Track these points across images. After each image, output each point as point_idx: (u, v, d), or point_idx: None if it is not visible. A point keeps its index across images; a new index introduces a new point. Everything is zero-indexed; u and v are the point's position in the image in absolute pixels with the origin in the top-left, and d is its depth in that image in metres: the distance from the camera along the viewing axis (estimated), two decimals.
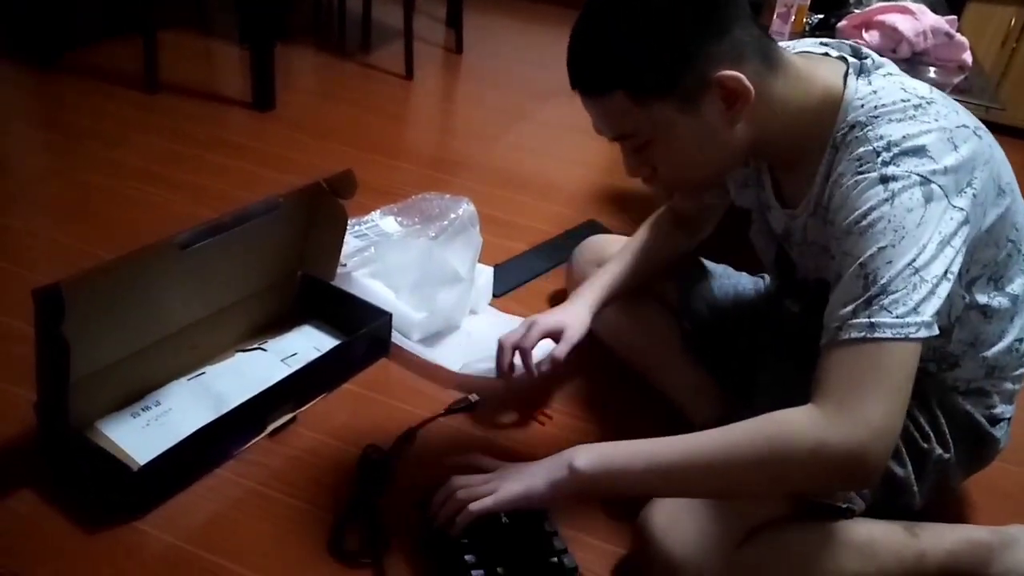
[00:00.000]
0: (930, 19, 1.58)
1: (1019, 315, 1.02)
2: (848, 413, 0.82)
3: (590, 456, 0.93)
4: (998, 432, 1.09)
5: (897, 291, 0.82)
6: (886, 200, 0.83)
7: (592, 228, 1.84)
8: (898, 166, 0.84)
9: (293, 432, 1.21)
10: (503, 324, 1.49)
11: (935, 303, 0.83)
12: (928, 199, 0.83)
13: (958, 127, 0.89)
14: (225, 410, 1.16)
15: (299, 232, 1.36)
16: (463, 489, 0.97)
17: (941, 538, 1.05)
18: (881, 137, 0.86)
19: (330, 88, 2.61)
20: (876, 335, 0.82)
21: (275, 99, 2.30)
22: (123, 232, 1.64)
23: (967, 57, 1.61)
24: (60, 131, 2.07)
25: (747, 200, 1.14)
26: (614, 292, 1.28)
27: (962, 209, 0.85)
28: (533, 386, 1.28)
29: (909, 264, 0.82)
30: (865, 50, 0.97)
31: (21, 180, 1.85)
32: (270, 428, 1.19)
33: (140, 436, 1.14)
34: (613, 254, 1.34)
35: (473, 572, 0.96)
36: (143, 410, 1.19)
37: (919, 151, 0.85)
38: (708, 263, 1.42)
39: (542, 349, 1.23)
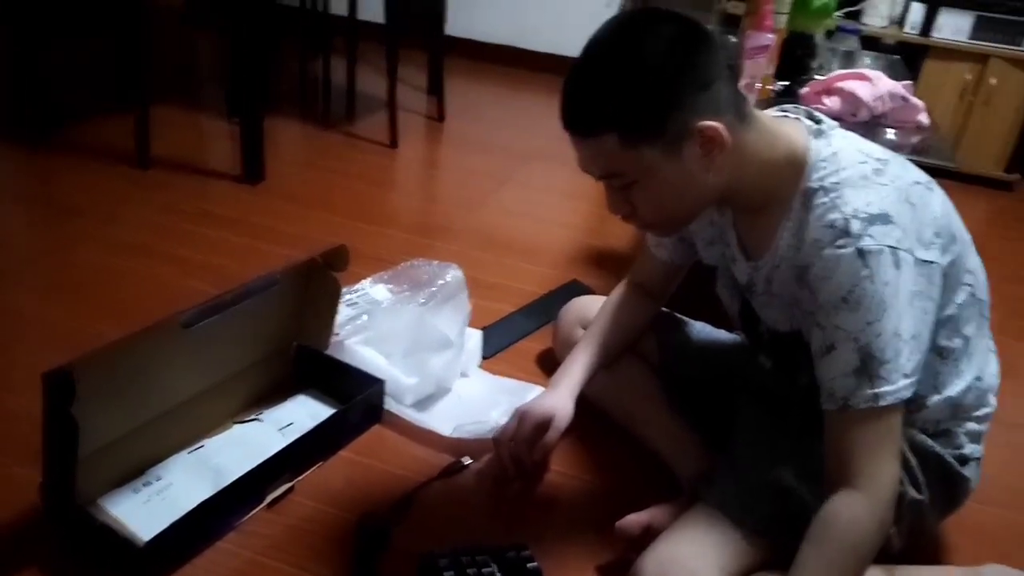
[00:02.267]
0: (887, 84, 1.67)
1: (974, 355, 1.09)
2: (878, 487, 0.97)
3: None
4: (968, 472, 1.15)
5: (889, 360, 0.94)
6: (866, 278, 0.93)
7: (575, 288, 1.90)
8: (872, 238, 0.93)
9: (291, 502, 1.24)
10: (493, 387, 1.54)
11: (917, 358, 0.96)
12: (898, 266, 0.93)
13: (912, 184, 0.99)
14: (224, 482, 1.20)
15: (295, 305, 1.41)
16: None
17: None
18: (848, 204, 0.95)
19: (317, 158, 2.68)
20: (880, 404, 0.94)
21: (264, 171, 2.37)
22: (118, 308, 1.68)
23: (923, 118, 1.70)
24: (52, 208, 2.12)
25: (713, 256, 1.21)
26: (592, 371, 1.35)
27: (932, 262, 0.96)
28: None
29: (894, 332, 0.93)
30: (817, 114, 1.06)
31: (13, 258, 1.89)
32: (269, 499, 1.22)
33: (143, 511, 1.16)
34: (594, 316, 1.41)
35: None
36: (144, 485, 1.22)
37: (884, 218, 0.94)
38: (687, 320, 1.49)
39: (510, 406, 1.33)
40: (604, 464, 1.40)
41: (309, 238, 2.04)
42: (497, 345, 1.67)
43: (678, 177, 0.98)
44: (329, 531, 1.19)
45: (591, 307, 1.50)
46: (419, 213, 2.43)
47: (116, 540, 1.06)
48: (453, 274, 1.66)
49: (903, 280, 0.93)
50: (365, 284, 1.74)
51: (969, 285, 1.06)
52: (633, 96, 0.94)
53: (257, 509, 1.20)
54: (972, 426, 1.14)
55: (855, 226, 0.93)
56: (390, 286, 1.73)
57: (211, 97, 3.01)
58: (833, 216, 0.95)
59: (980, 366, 1.11)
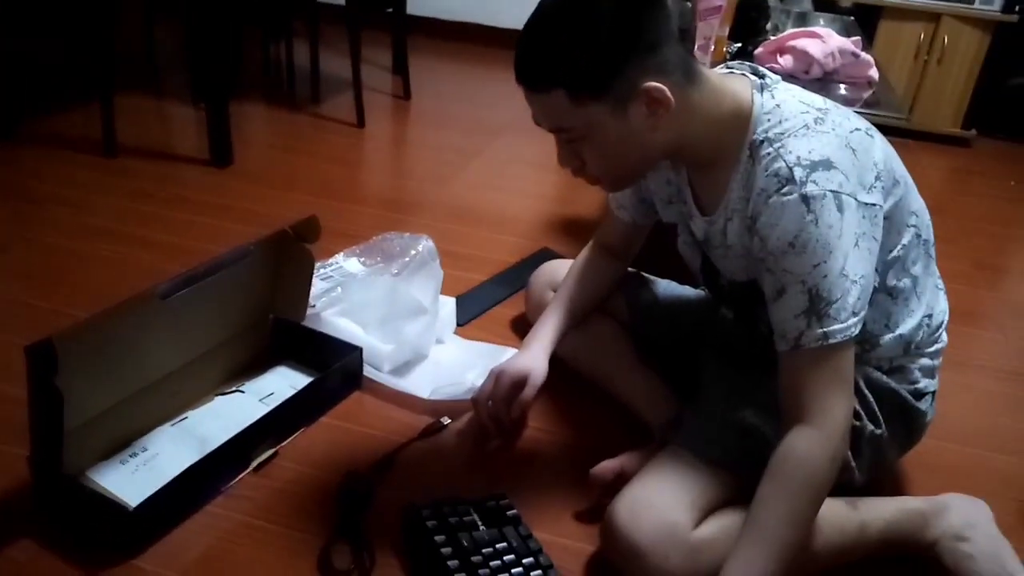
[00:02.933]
0: (837, 41, 1.72)
1: (923, 293, 1.15)
2: (830, 421, 1.01)
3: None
4: (923, 405, 1.21)
5: (836, 299, 0.98)
6: (811, 222, 0.97)
7: (545, 255, 1.94)
8: (815, 184, 0.97)
9: (276, 466, 1.27)
10: (468, 351, 1.58)
11: (864, 297, 1.00)
12: (841, 210, 0.97)
13: (852, 132, 1.03)
14: (207, 449, 1.23)
15: (269, 278, 1.43)
16: None
17: (880, 509, 1.16)
18: (791, 152, 0.99)
19: (284, 140, 2.70)
20: (830, 342, 0.99)
21: (232, 154, 2.38)
22: (92, 292, 1.69)
23: (874, 73, 1.75)
24: (23, 198, 2.12)
25: (672, 215, 1.26)
26: (562, 330, 1.40)
27: (873, 204, 1.01)
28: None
29: (840, 272, 0.98)
30: (762, 69, 1.11)
31: None
32: (254, 463, 1.25)
33: (131, 481, 1.19)
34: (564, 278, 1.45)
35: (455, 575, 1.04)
36: (131, 456, 1.25)
37: (826, 164, 0.98)
38: (652, 278, 1.54)
39: (485, 368, 1.37)
40: (577, 419, 1.45)
41: (281, 217, 2.02)
42: (471, 312, 1.71)
43: (624, 134, 1.02)
44: (314, 492, 1.23)
45: (561, 270, 1.54)
46: (389, 190, 2.45)
47: (106, 507, 1.09)
48: (424, 244, 1.70)
49: (846, 223, 0.97)
50: (338, 258, 1.77)
51: (913, 226, 1.11)
52: (580, 55, 0.97)
53: (243, 474, 1.24)
54: (925, 361, 1.20)
55: (798, 173, 0.97)
56: (363, 259, 1.76)
57: (175, 84, 3.01)
58: (777, 165, 0.99)
59: (930, 303, 1.17)
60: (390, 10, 3.03)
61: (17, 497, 1.18)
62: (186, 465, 1.17)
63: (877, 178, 1.02)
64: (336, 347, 1.45)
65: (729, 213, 1.09)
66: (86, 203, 2.10)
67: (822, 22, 2.19)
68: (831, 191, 0.97)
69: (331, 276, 1.70)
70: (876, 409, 1.17)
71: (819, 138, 1.00)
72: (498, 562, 1.07)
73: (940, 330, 1.21)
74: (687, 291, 1.52)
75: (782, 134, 1.01)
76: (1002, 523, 1.18)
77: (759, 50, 1.78)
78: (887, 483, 1.32)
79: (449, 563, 1.06)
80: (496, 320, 1.71)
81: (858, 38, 1.80)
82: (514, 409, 1.32)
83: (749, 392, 1.17)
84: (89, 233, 1.95)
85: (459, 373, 1.47)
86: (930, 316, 1.17)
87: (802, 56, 1.70)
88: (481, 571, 1.05)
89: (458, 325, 1.66)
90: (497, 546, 1.09)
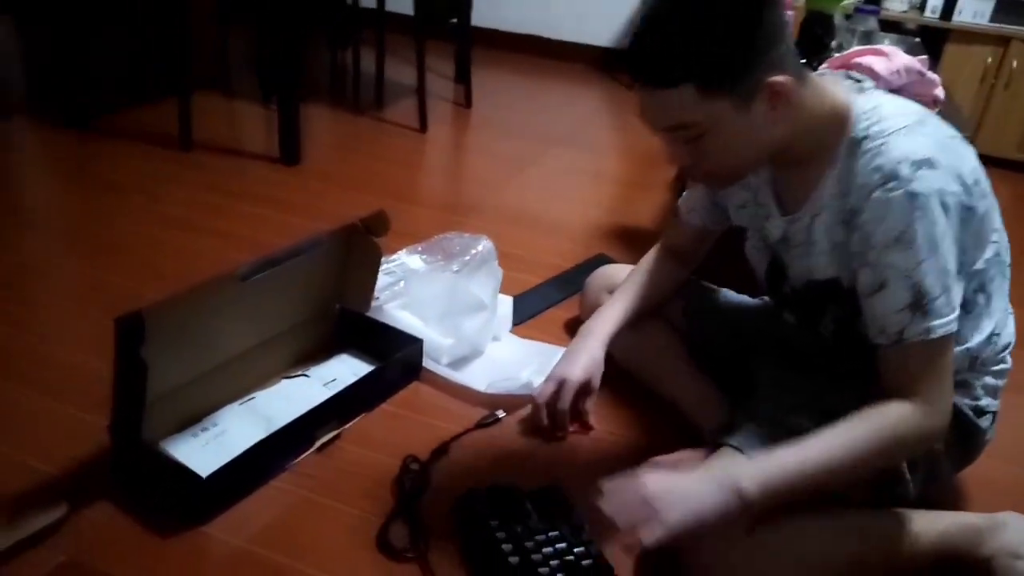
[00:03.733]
0: (903, 59, 1.72)
1: (994, 312, 1.14)
2: (935, 403, 1.04)
3: (755, 482, 0.99)
4: (984, 423, 1.20)
5: (939, 296, 1.00)
6: (919, 218, 0.98)
7: (601, 261, 1.96)
8: (920, 181, 0.98)
9: (338, 447, 1.32)
10: (524, 349, 1.62)
11: (960, 293, 1.03)
12: (946, 209, 0.99)
13: (951, 137, 1.05)
14: (273, 428, 1.28)
15: (337, 268, 1.49)
16: (622, 515, 0.99)
17: (934, 522, 1.16)
18: (894, 149, 1.00)
19: (349, 142, 2.77)
20: (932, 336, 1.01)
21: (300, 154, 2.46)
22: (161, 274, 1.78)
23: (940, 92, 1.75)
24: (103, 187, 2.23)
25: (744, 218, 1.27)
26: (621, 324, 1.40)
27: (971, 207, 1.02)
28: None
29: (944, 269, 1.00)
30: (856, 74, 1.12)
31: (62, 227, 2.00)
32: (318, 443, 1.30)
33: (202, 454, 1.25)
34: (621, 281, 1.48)
35: (510, 559, 1.07)
36: (202, 431, 1.31)
37: (930, 163, 0.99)
38: (711, 286, 1.55)
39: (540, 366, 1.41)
40: (631, 420, 1.47)
41: (345, 215, 2.10)
42: (527, 312, 1.74)
43: (745, 129, 1.02)
44: (374, 473, 1.27)
45: (617, 275, 1.56)
46: (448, 193, 2.51)
47: (180, 475, 1.14)
48: (484, 244, 1.74)
49: (951, 223, 0.99)
50: (401, 255, 1.82)
51: (995, 243, 1.11)
52: (713, 47, 0.96)
53: (307, 452, 1.29)
54: (989, 380, 1.20)
55: (904, 170, 0.98)
56: (424, 256, 1.81)
57: (247, 85, 3.12)
58: (880, 161, 1.00)
59: (999, 323, 1.16)
60: (454, 20, 3.10)
61: (96, 463, 1.25)
62: (253, 441, 1.23)
63: (975, 183, 1.03)
64: (398, 338, 1.50)
65: (817, 209, 1.10)
66: (159, 192, 2.20)
67: (887, 41, 2.19)
68: (936, 189, 0.98)
69: (394, 271, 1.75)
70: None
71: (922, 139, 1.01)
72: (550, 549, 1.10)
73: (1006, 351, 1.20)
74: (746, 300, 1.53)
75: (883, 132, 1.02)
76: None
77: (824, 66, 1.79)
78: (941, 500, 1.31)
79: (503, 547, 1.09)
80: (551, 321, 1.75)
81: (925, 57, 1.80)
82: (576, 414, 1.35)
83: (808, 398, 1.18)
84: (164, 221, 2.04)
85: (515, 369, 1.50)
86: (997, 335, 1.16)
87: (868, 73, 1.70)
88: (534, 557, 1.08)
89: (514, 324, 1.70)
90: (550, 534, 1.12)
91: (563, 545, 1.11)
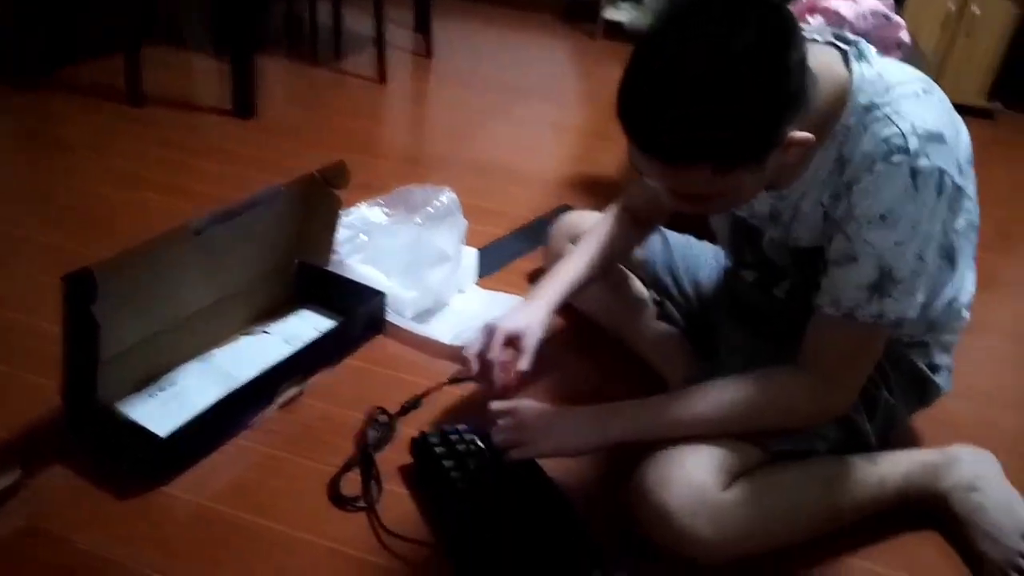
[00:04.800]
0: (869, 3, 1.70)
1: (957, 277, 1.13)
2: (839, 386, 1.06)
3: (624, 428, 1.09)
4: (939, 379, 1.21)
5: (905, 280, 0.97)
6: (911, 198, 0.94)
7: (565, 211, 1.94)
8: (928, 158, 0.93)
9: (302, 403, 1.30)
10: (489, 301, 1.60)
11: (928, 281, 1.00)
12: (940, 191, 0.95)
13: (951, 111, 1.00)
14: (234, 386, 1.25)
15: (296, 222, 1.45)
16: (501, 434, 1.12)
17: (896, 463, 1.17)
18: (905, 118, 0.94)
19: (306, 94, 2.70)
20: (881, 322, 0.99)
21: (255, 106, 2.39)
22: (115, 233, 1.72)
23: (904, 36, 1.74)
24: (52, 145, 2.14)
25: None
26: (573, 289, 1.30)
27: (962, 188, 0.99)
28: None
29: (918, 256, 0.97)
30: (849, 35, 1.03)
31: (17, 191, 1.92)
32: (280, 400, 1.28)
33: (160, 413, 1.22)
34: (586, 229, 1.42)
35: (458, 485, 1.08)
36: (159, 390, 1.28)
37: (940, 137, 0.95)
38: (672, 235, 1.53)
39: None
40: (597, 369, 1.47)
41: (303, 169, 2.05)
42: (492, 264, 1.72)
43: (758, 181, 0.95)
44: (339, 427, 1.25)
45: (580, 223, 1.54)
46: (410, 145, 2.46)
47: (138, 435, 1.11)
48: (447, 196, 1.71)
49: (940, 205, 0.95)
50: (361, 207, 1.77)
51: (968, 212, 1.07)
52: (733, 131, 0.86)
53: (270, 409, 1.27)
54: (946, 338, 1.20)
55: (913, 143, 0.93)
56: (386, 209, 1.77)
57: (197, 35, 3.01)
58: (890, 131, 0.94)
59: (959, 286, 1.14)
60: None
61: (48, 426, 1.21)
62: (212, 400, 1.20)
63: (968, 162, 0.99)
64: (360, 292, 1.47)
65: (810, 186, 1.04)
66: (110, 149, 2.12)
67: None
68: (939, 168, 0.94)
69: (354, 224, 1.71)
70: (893, 379, 1.17)
71: (931, 108, 0.96)
72: (504, 487, 1.09)
73: (963, 309, 1.19)
74: (705, 249, 1.52)
75: (892, 100, 0.96)
76: (1008, 477, 1.19)
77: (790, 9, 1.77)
78: (899, 441, 1.32)
79: (459, 486, 1.09)
80: (516, 273, 1.73)
81: (891, 0, 1.79)
82: (510, 372, 1.20)
83: (766, 355, 1.16)
84: (117, 179, 1.97)
85: (480, 320, 1.47)
86: (957, 299, 1.16)
87: (834, 17, 1.68)
88: (489, 494, 1.08)
89: (479, 276, 1.68)
90: (504, 471, 1.11)
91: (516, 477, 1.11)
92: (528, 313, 1.23)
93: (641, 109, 0.88)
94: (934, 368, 1.22)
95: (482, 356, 1.18)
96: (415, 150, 2.41)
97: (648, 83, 0.87)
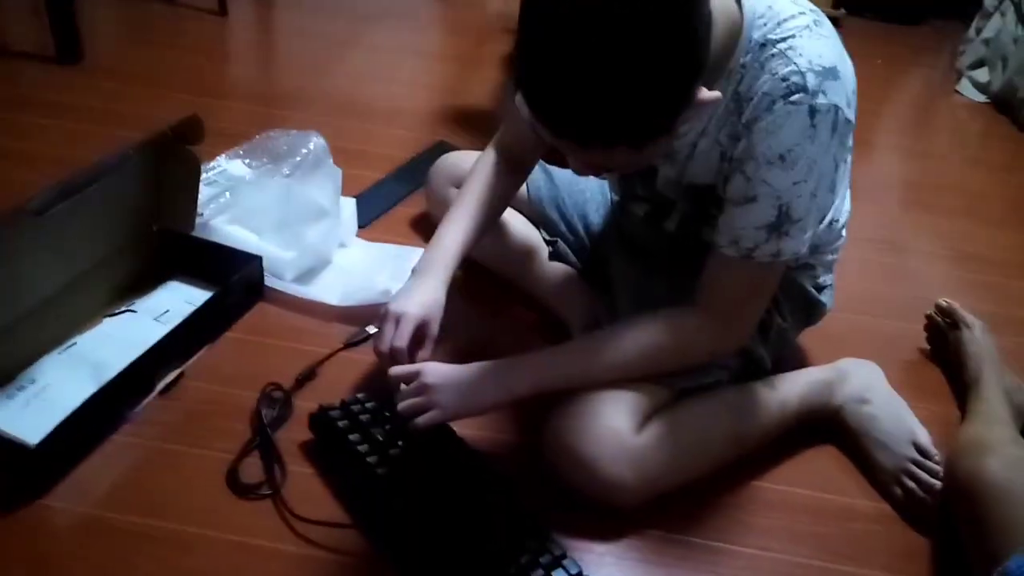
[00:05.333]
0: None
1: (835, 200, 1.13)
2: (738, 322, 1.09)
3: (530, 381, 1.07)
4: (824, 298, 1.26)
5: (801, 219, 0.98)
6: (809, 138, 0.93)
7: (442, 148, 1.87)
8: (824, 95, 0.92)
9: (184, 387, 1.20)
10: (374, 253, 1.52)
11: (819, 215, 1.01)
12: (835, 128, 0.95)
13: (839, 41, 0.98)
14: (106, 377, 1.14)
15: (151, 186, 1.31)
16: (405, 403, 1.05)
17: (793, 385, 1.21)
18: (801, 55, 0.92)
19: (139, 32, 2.44)
20: (778, 260, 1.00)
21: (82, 49, 2.13)
22: None
23: None
24: None
25: None
26: (463, 254, 1.22)
27: (852, 123, 0.98)
28: None
29: (813, 194, 0.97)
30: None
31: None
32: (159, 387, 1.17)
33: (24, 416, 1.09)
34: (466, 171, 1.34)
35: (378, 471, 1.03)
36: (18, 390, 1.14)
37: (834, 73, 0.94)
38: (555, 170, 1.49)
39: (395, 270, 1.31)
40: (495, 318, 1.43)
41: (146, 117, 1.86)
42: (370, 213, 1.63)
43: (669, 143, 0.94)
44: (228, 410, 1.16)
45: (461, 164, 1.48)
46: (263, 83, 2.29)
47: (5, 446, 0.99)
48: (315, 141, 1.60)
49: (835, 143, 0.96)
50: (220, 160, 1.63)
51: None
52: (650, 108, 0.82)
53: (148, 398, 1.16)
54: (828, 258, 1.24)
55: (811, 80, 0.92)
56: (247, 160, 1.64)
57: None
58: (788, 69, 0.92)
59: (839, 207, 1.16)
60: None
61: None
62: (81, 394, 1.08)
63: (854, 92, 0.99)
64: (232, 257, 1.36)
65: (703, 126, 1.02)
66: None
67: None
68: (835, 105, 0.93)
69: (215, 181, 1.57)
70: (784, 304, 1.21)
71: (824, 42, 0.95)
72: (415, 454, 1.05)
73: (843, 229, 1.23)
74: (590, 182, 1.48)
75: (786, 37, 0.94)
76: (891, 383, 1.26)
77: None
78: (790, 361, 1.37)
79: (368, 459, 1.04)
80: (397, 220, 1.65)
81: None
82: (414, 358, 1.14)
83: (662, 293, 1.16)
84: None
85: (368, 277, 1.41)
86: (838, 220, 1.18)
87: None
88: (401, 464, 1.03)
89: (359, 227, 1.59)
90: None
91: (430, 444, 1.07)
92: (425, 294, 1.15)
93: (547, 95, 0.83)
94: (819, 288, 1.26)
95: (395, 349, 1.10)
96: (267, 88, 2.24)
97: (551, 64, 0.80)
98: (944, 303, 1.43)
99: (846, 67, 0.97)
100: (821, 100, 0.93)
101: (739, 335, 1.10)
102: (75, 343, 1.23)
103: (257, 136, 1.67)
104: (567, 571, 0.95)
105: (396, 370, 1.09)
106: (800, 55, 0.93)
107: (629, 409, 1.05)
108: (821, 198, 1.01)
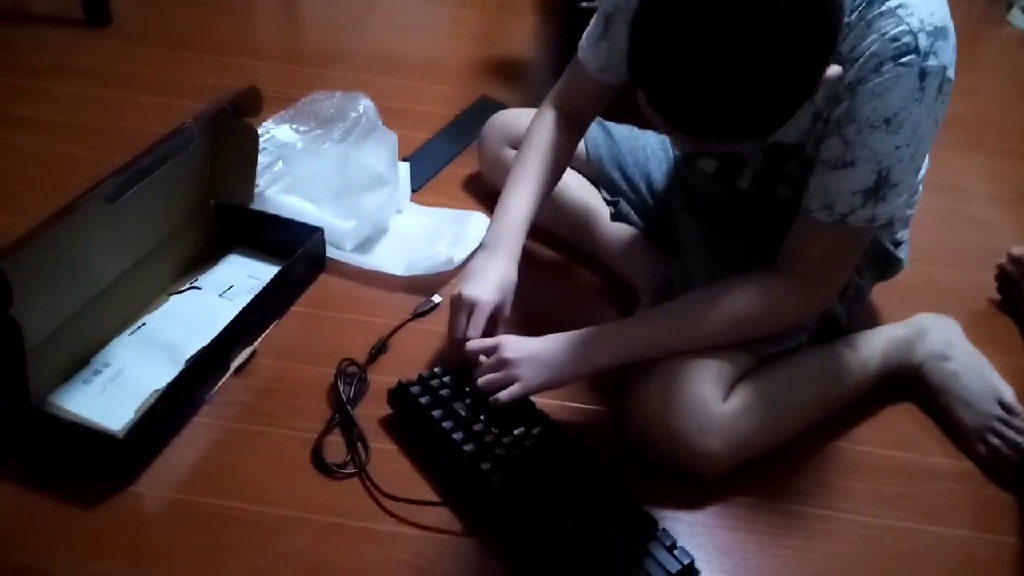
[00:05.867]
0: None
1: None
2: (826, 287, 1.06)
3: (611, 353, 1.05)
4: (901, 253, 1.23)
5: (899, 183, 0.94)
6: (916, 100, 0.89)
7: (486, 104, 1.82)
8: (935, 56, 0.88)
9: (257, 365, 1.19)
10: (432, 219, 1.49)
11: (915, 178, 0.98)
12: (940, 90, 0.91)
13: None
14: (178, 357, 1.14)
15: (210, 162, 1.28)
16: (485, 378, 1.05)
17: (873, 344, 1.19)
18: (912, 14, 0.88)
19: None
20: (872, 225, 0.97)
21: (110, 11, 2.08)
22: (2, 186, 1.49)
23: None
24: None
25: None
26: (529, 225, 1.18)
27: (952, 80, 0.93)
28: None
29: (912, 157, 0.93)
30: None
31: None
32: (233, 366, 1.16)
33: (102, 401, 1.09)
34: (521, 130, 1.30)
35: (464, 447, 1.02)
36: (94, 375, 1.13)
37: (945, 32, 0.90)
38: (613, 126, 1.45)
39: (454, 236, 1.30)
40: (563, 285, 1.41)
41: (183, 83, 1.84)
42: (424, 176, 1.60)
43: None
44: (303, 387, 1.16)
45: (516, 123, 1.44)
46: (296, 42, 2.23)
47: (92, 438, 0.99)
48: (364, 104, 1.56)
49: (939, 105, 0.92)
50: (267, 126, 1.60)
51: None
52: (783, 104, 0.79)
53: (224, 379, 1.15)
54: (906, 212, 1.21)
55: (923, 41, 0.88)
56: (295, 126, 1.60)
57: None
58: (899, 29, 0.88)
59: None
60: None
61: None
62: (157, 376, 1.09)
63: (955, 48, 0.94)
64: (292, 229, 1.33)
65: None
66: None
67: None
68: (944, 66, 0.89)
69: (265, 148, 1.53)
70: (862, 261, 1.16)
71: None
72: (498, 428, 1.04)
73: (920, 185, 1.20)
74: (650, 138, 1.45)
75: None
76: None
77: None
78: (864, 317, 1.35)
79: (454, 436, 1.03)
80: (450, 181, 1.62)
81: None
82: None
83: (735, 253, 1.14)
84: None
85: (429, 245, 1.39)
86: (921, 179, 1.16)
87: None
88: (487, 439, 1.03)
89: (413, 191, 1.56)
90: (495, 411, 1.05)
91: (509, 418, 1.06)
92: (498, 273, 1.12)
93: (671, 87, 0.78)
94: (896, 244, 1.23)
95: (469, 333, 1.09)
96: (303, 47, 2.19)
97: (679, 53, 0.76)
98: (1017, 252, 1.40)
99: (951, 24, 0.92)
100: (932, 62, 0.89)
101: (827, 300, 1.08)
102: (144, 323, 1.22)
103: (302, 100, 1.63)
104: (662, 543, 0.95)
105: (474, 344, 1.08)
106: (911, 14, 0.88)
107: (715, 377, 1.04)
108: (919, 160, 0.97)
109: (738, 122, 0.79)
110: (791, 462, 1.12)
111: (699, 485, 1.06)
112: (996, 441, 1.12)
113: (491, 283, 1.11)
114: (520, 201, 1.19)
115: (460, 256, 1.34)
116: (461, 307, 1.10)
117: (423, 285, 1.34)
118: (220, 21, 2.19)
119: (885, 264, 1.23)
